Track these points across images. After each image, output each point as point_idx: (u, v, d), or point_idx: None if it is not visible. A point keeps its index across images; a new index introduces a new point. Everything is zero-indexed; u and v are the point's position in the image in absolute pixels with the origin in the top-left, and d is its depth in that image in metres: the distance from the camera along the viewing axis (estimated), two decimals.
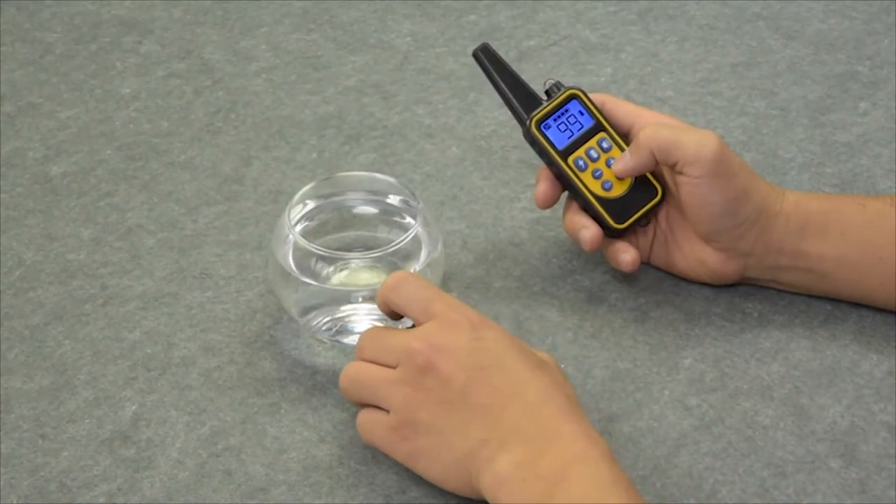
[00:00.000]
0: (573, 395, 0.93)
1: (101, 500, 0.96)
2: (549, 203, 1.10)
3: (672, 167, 1.05)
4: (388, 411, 0.94)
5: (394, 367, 0.93)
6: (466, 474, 0.91)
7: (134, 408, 1.02)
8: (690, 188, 1.04)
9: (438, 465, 0.92)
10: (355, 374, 0.96)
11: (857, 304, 1.08)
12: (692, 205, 1.05)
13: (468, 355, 0.91)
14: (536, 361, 0.93)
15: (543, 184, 1.09)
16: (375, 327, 0.99)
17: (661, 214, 1.10)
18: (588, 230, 1.08)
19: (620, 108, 1.09)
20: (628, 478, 0.87)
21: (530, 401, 0.90)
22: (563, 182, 1.09)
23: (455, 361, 0.91)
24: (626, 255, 1.08)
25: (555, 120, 1.09)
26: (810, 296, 1.09)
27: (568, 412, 0.90)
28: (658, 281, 1.12)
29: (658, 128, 1.06)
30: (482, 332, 0.92)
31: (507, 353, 0.92)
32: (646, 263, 1.12)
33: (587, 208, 1.09)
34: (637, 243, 1.11)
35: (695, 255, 1.08)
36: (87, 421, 1.02)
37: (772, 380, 1.04)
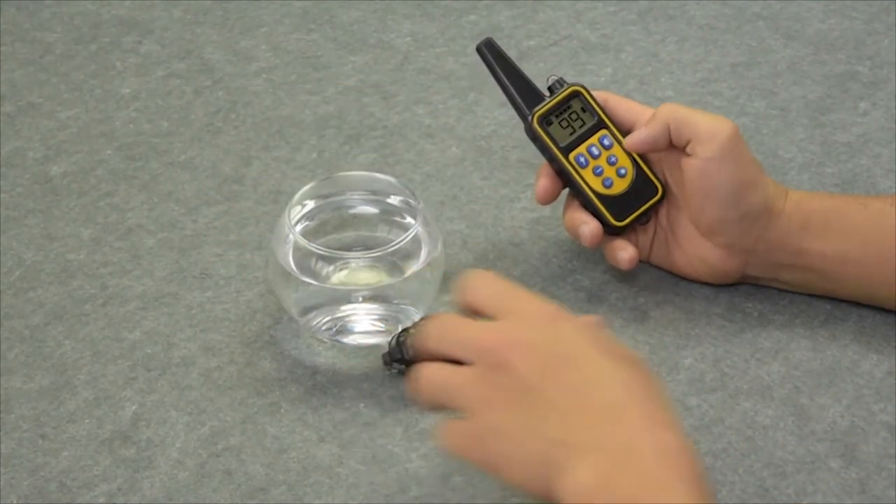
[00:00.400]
0: (661, 394, 0.85)
1: (101, 500, 0.96)
2: (549, 199, 1.10)
3: (683, 147, 1.05)
4: (464, 416, 0.86)
5: (467, 363, 0.86)
6: (545, 479, 0.83)
7: (134, 408, 1.03)
8: (699, 171, 1.04)
9: (517, 471, 0.84)
10: (429, 376, 0.88)
11: (857, 304, 1.08)
12: (698, 190, 1.05)
13: (544, 350, 0.84)
14: (620, 355, 0.86)
15: (544, 180, 1.09)
16: (443, 316, 0.91)
17: (662, 212, 1.10)
18: (588, 226, 1.08)
19: (623, 105, 1.10)
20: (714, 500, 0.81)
21: (610, 402, 0.83)
22: (564, 178, 1.09)
23: (530, 357, 0.84)
24: (624, 252, 1.08)
25: (557, 116, 1.09)
26: (810, 295, 1.09)
27: (652, 418, 0.82)
28: (658, 281, 1.12)
29: (677, 105, 1.06)
30: (560, 324, 0.86)
31: (588, 347, 0.85)
32: (646, 262, 1.12)
33: (587, 205, 1.09)
34: (637, 241, 1.11)
35: (696, 252, 1.08)
36: (87, 421, 1.02)
37: (772, 380, 1.04)
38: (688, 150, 1.05)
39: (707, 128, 1.04)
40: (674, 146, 1.06)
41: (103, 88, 1.34)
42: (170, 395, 1.03)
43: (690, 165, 1.05)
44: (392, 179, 1.09)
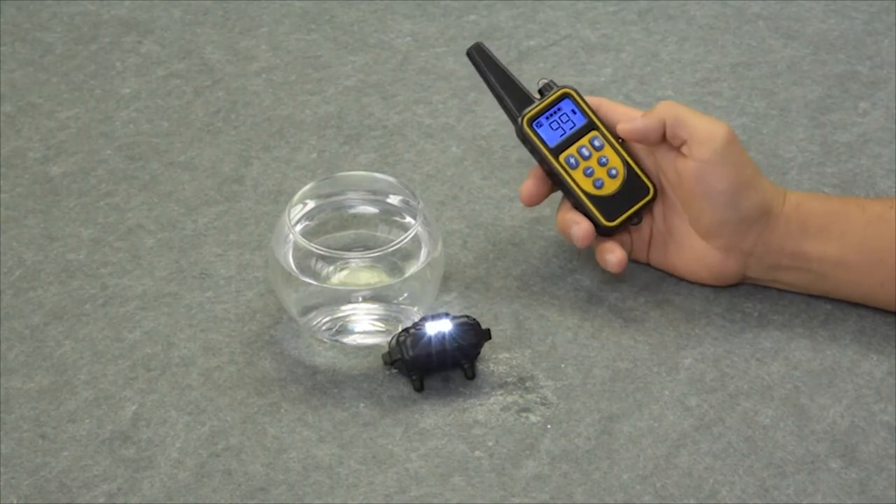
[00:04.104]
0: None
1: (101, 500, 0.96)
2: (534, 200, 1.10)
3: (678, 148, 1.05)
4: None
5: None
6: None
7: (134, 408, 1.03)
8: (695, 174, 1.04)
9: None
10: None
11: (858, 304, 1.08)
12: (695, 193, 1.05)
13: None
14: None
15: (530, 181, 1.10)
16: None
17: (659, 215, 1.10)
18: (579, 226, 1.07)
19: (616, 110, 1.10)
20: None
21: None
22: (555, 180, 1.09)
23: None
24: (612, 255, 1.08)
25: (547, 118, 1.09)
26: (810, 295, 1.09)
27: None
28: (658, 281, 1.12)
29: (676, 104, 1.06)
30: None
31: None
32: (646, 264, 1.12)
33: (578, 206, 1.09)
34: (631, 243, 1.10)
35: (694, 254, 1.08)
36: (87, 421, 1.02)
37: (772, 380, 1.04)
38: (683, 150, 1.05)
39: (704, 130, 1.04)
40: (669, 147, 1.06)
41: (103, 88, 1.34)
42: (170, 395, 1.03)
43: (687, 167, 1.05)
44: (392, 179, 1.09)
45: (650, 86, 1.33)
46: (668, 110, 1.06)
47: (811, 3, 1.43)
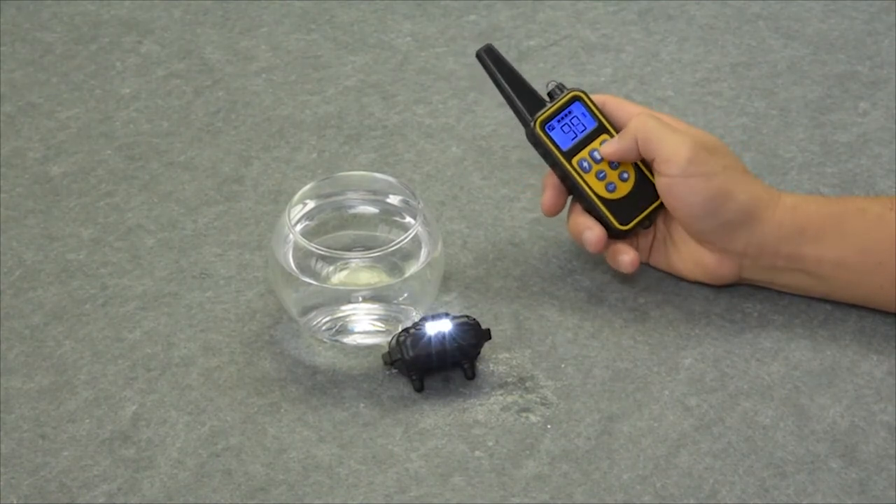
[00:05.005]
0: None
1: (101, 500, 0.96)
2: (556, 210, 1.10)
3: (651, 163, 1.06)
4: None
5: None
6: None
7: (134, 408, 1.03)
8: (667, 188, 1.05)
9: None
10: None
11: (857, 305, 1.08)
12: (672, 205, 1.06)
13: None
14: None
15: (549, 191, 1.10)
16: None
17: (660, 218, 1.10)
18: (592, 231, 1.08)
19: (621, 107, 1.10)
20: None
21: None
22: (567, 184, 1.09)
23: None
24: (625, 256, 1.08)
25: (559, 121, 1.09)
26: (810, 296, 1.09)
27: None
28: (658, 281, 1.12)
29: (648, 119, 1.06)
30: None
31: None
32: (646, 264, 1.12)
33: (591, 210, 1.09)
34: (637, 244, 1.11)
35: (692, 256, 1.08)
36: (87, 421, 1.02)
37: (772, 380, 1.04)
38: (655, 167, 1.05)
39: (667, 149, 1.05)
40: None
41: (103, 88, 1.34)
42: (170, 395, 1.03)
43: (660, 183, 1.06)
44: (392, 179, 1.09)
45: (650, 86, 1.33)
46: (639, 128, 1.06)
47: (811, 3, 1.43)
